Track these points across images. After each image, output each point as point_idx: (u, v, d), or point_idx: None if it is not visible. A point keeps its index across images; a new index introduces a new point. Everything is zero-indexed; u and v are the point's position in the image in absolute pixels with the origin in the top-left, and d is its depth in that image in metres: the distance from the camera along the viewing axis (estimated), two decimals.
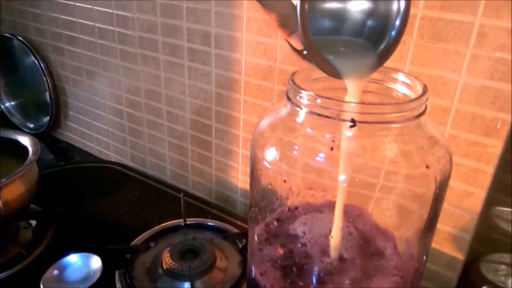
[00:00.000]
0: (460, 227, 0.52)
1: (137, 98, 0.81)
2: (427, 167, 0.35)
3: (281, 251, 0.42)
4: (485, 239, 0.59)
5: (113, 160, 0.94)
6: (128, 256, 0.57)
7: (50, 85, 0.97)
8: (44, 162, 0.91)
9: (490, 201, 0.52)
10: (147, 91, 0.79)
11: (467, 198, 0.50)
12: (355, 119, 0.32)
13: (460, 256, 0.53)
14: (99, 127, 0.93)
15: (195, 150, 0.77)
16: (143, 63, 0.76)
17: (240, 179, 0.72)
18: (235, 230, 0.63)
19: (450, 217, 0.52)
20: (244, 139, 0.68)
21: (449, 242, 0.53)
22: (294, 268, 0.42)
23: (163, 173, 0.84)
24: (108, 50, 0.81)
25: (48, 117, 1.01)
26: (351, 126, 0.32)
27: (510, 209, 0.63)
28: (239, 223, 0.66)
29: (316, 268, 0.41)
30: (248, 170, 0.71)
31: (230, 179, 0.74)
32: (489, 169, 0.48)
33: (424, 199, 0.35)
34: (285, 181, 0.48)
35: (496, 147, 0.46)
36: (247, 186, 0.72)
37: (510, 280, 0.57)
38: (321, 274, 0.41)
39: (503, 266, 0.59)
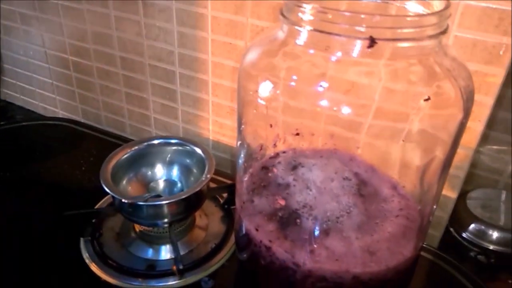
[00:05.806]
0: (454, 164, 0.49)
1: (83, 44, 0.70)
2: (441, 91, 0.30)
3: (279, 201, 0.37)
4: (468, 175, 0.58)
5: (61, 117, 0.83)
6: (94, 221, 0.49)
7: None
8: None
9: None
10: (94, 34, 0.68)
11: (463, 133, 0.47)
12: (374, 36, 0.26)
13: (453, 195, 0.51)
14: (41, 81, 0.81)
15: (158, 101, 0.68)
16: (87, 1, 0.65)
17: (211, 130, 0.66)
18: (212, 185, 0.57)
19: None
20: (214, 84, 0.61)
21: None
22: (291, 218, 0.38)
23: (121, 129, 0.76)
24: None
25: None
26: (370, 46, 0.27)
27: (495, 147, 0.61)
28: (214, 176, 0.60)
29: (316, 217, 0.37)
30: (220, 120, 0.65)
31: (199, 131, 0.67)
32: (488, 101, 0.44)
33: (450, 130, 0.30)
34: (271, 125, 0.42)
35: (497, 76, 0.43)
36: (219, 137, 0.66)
37: (497, 214, 0.56)
38: (323, 224, 0.36)
39: (489, 202, 0.58)
